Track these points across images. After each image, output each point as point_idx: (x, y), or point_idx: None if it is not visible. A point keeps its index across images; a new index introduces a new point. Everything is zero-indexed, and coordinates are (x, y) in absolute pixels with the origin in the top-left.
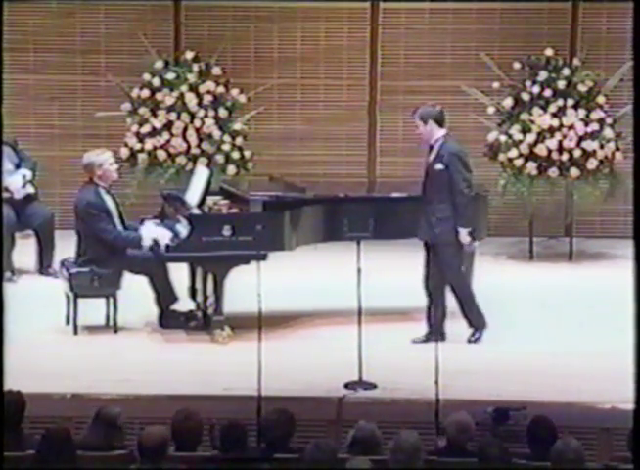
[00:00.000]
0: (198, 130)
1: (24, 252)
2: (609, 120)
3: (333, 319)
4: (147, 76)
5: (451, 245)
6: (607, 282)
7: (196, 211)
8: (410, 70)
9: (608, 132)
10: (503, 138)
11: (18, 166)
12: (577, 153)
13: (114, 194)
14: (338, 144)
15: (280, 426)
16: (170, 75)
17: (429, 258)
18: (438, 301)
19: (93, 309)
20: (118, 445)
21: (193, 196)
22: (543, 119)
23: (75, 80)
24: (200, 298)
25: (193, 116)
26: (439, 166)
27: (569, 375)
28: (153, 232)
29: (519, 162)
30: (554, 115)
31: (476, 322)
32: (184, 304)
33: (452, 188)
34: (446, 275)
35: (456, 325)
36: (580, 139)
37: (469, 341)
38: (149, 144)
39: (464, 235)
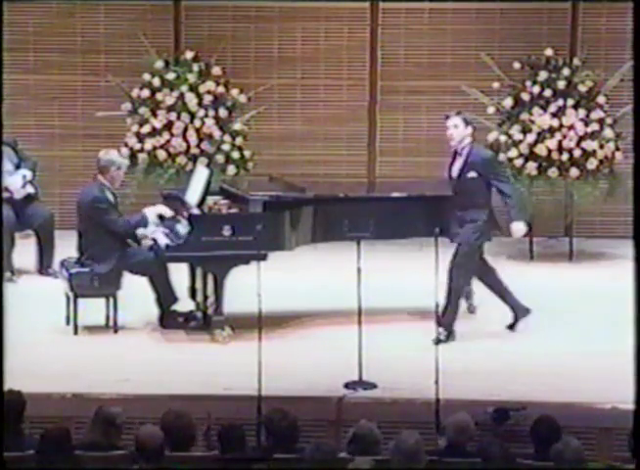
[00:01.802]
0: (198, 130)
1: (24, 252)
2: (609, 120)
3: (333, 319)
4: (147, 76)
5: (468, 245)
6: (607, 282)
7: (196, 211)
8: (410, 70)
9: (608, 132)
10: (503, 138)
11: (18, 166)
12: (577, 153)
13: (115, 193)
14: (338, 144)
15: (282, 428)
16: (170, 75)
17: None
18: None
19: (93, 309)
20: (118, 444)
21: (193, 196)
22: (543, 119)
23: (75, 80)
24: (200, 298)
25: (193, 116)
26: (472, 174)
27: (569, 375)
28: (154, 208)
29: (519, 162)
30: (554, 115)
31: (449, 327)
32: (184, 304)
33: (500, 190)
34: (456, 278)
35: (458, 325)
36: (580, 139)
37: (437, 342)
38: (149, 144)
39: (522, 228)
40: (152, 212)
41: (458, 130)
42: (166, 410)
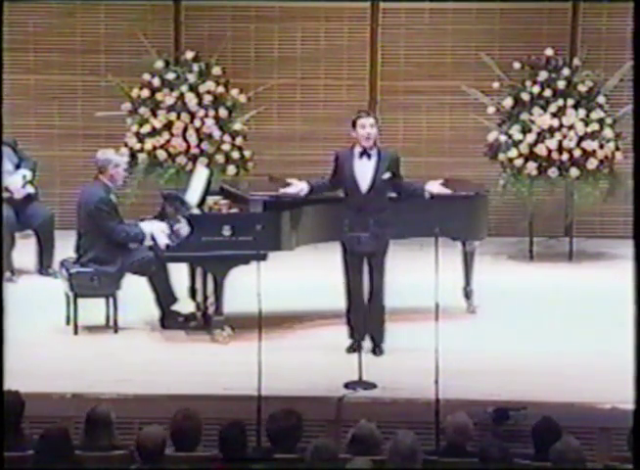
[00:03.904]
0: (198, 130)
1: (24, 252)
2: (609, 120)
3: (333, 319)
4: (147, 76)
5: (384, 255)
6: (607, 282)
7: (196, 211)
8: (410, 70)
9: (608, 132)
10: (503, 138)
11: (18, 166)
12: (577, 153)
13: (117, 194)
14: (338, 144)
15: (287, 427)
16: (170, 75)
17: (359, 269)
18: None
19: (93, 309)
20: (115, 444)
21: (193, 196)
22: (543, 119)
23: (75, 80)
24: (200, 298)
25: (193, 116)
26: (388, 175)
27: (569, 375)
28: (151, 226)
29: (519, 162)
30: (554, 115)
31: (383, 336)
32: (184, 304)
33: (407, 191)
34: (381, 282)
35: (454, 326)
36: (580, 139)
37: (375, 353)
38: (149, 144)
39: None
40: (148, 230)
41: (374, 130)
42: (177, 410)
